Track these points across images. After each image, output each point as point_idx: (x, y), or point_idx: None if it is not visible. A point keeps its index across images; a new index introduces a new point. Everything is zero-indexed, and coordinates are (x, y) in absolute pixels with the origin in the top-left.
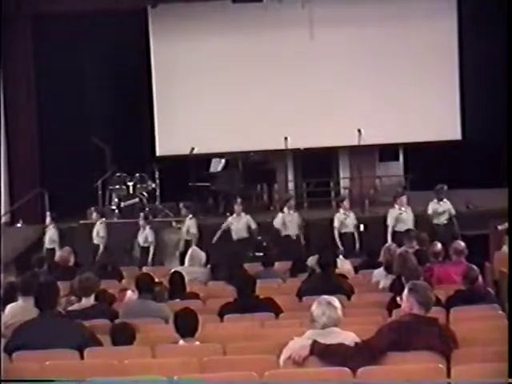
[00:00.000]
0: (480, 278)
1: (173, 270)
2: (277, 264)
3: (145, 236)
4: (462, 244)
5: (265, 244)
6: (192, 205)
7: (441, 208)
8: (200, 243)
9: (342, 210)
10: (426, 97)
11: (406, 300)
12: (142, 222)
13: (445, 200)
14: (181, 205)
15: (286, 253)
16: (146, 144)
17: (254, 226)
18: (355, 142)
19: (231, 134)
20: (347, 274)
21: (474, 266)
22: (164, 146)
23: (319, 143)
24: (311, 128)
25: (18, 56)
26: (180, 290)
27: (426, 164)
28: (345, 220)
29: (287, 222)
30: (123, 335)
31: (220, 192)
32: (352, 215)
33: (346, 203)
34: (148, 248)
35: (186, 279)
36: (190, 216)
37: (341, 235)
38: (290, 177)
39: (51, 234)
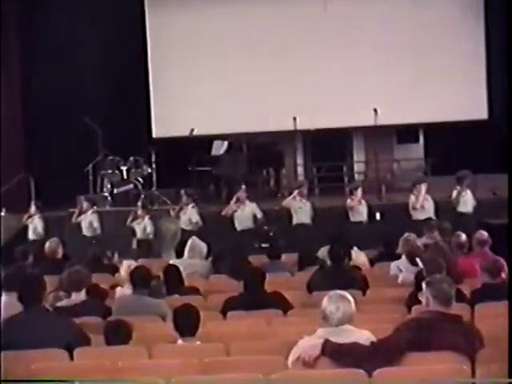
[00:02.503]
0: (506, 270)
1: (169, 263)
2: (284, 256)
3: (143, 226)
4: (485, 234)
5: (271, 234)
6: (193, 191)
7: (465, 195)
8: (200, 234)
9: (354, 198)
10: (449, 73)
11: (423, 295)
12: (140, 212)
13: (468, 186)
14: (182, 192)
15: (294, 244)
16: (141, 125)
17: (259, 214)
18: (371, 123)
19: (234, 113)
20: (362, 267)
21: (500, 258)
22: (161, 127)
23: (331, 123)
24: (322, 107)
25: (5, 33)
26: (177, 284)
27: (448, 146)
28: (358, 207)
29: (297, 210)
30: (118, 334)
31: (222, 177)
32: (364, 203)
33: (359, 192)
34: (145, 240)
35: (185, 272)
36: (192, 204)
37: (354, 224)
38: (300, 161)
39: (36, 224)
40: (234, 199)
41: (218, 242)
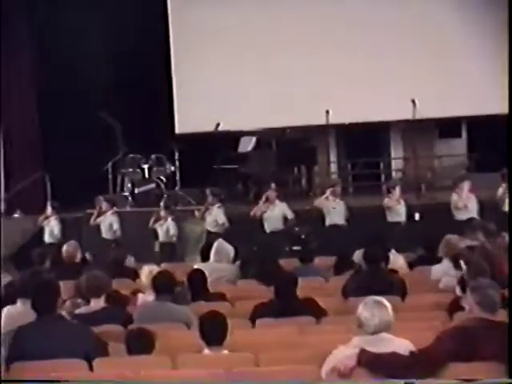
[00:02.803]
0: None
1: (193, 267)
2: (317, 259)
3: (166, 229)
4: None
5: (303, 236)
6: (219, 191)
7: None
8: (227, 236)
9: (392, 197)
10: (494, 61)
11: (467, 301)
12: (163, 213)
13: None
14: (207, 191)
15: (327, 246)
16: (163, 120)
17: (290, 215)
18: (409, 116)
19: (263, 107)
20: (400, 271)
21: None
22: (184, 123)
23: (367, 117)
24: (357, 99)
25: (14, 23)
26: (203, 290)
27: (493, 141)
28: (396, 207)
29: (331, 210)
30: (140, 342)
31: (250, 176)
32: (403, 202)
33: (397, 190)
34: (168, 243)
35: (211, 277)
36: (218, 204)
37: (392, 225)
38: (333, 157)
39: (52, 226)
40: (263, 199)
41: (245, 245)
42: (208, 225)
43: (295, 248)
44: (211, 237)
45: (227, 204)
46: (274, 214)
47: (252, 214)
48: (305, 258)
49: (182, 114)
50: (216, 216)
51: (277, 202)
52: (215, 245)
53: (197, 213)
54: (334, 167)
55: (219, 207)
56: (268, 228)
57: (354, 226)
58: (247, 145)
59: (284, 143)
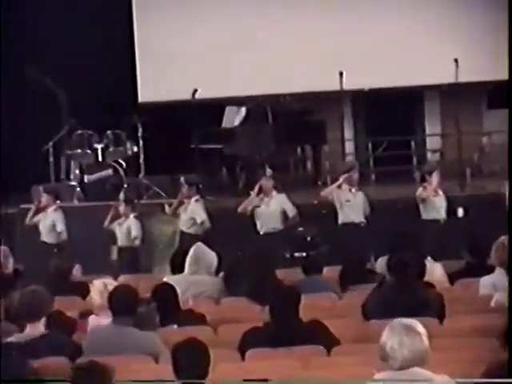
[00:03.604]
0: None
1: (163, 281)
2: (327, 270)
3: (126, 229)
4: None
5: (309, 239)
6: (197, 179)
7: None
8: (208, 239)
9: (427, 186)
10: None
11: None
12: (122, 208)
13: None
14: (181, 179)
15: (341, 252)
16: (122, 86)
17: (291, 211)
18: (450, 79)
19: (254, 68)
20: (438, 285)
21: None
22: (150, 89)
23: (393, 81)
24: (380, 58)
25: None
26: (175, 310)
27: None
28: (433, 200)
29: (345, 204)
30: (92, 381)
31: (239, 159)
32: (442, 193)
33: (434, 178)
34: (130, 248)
35: (187, 294)
36: (196, 197)
37: (427, 224)
38: (348, 134)
39: None
40: (256, 190)
41: (232, 251)
42: (182, 224)
43: (298, 254)
44: (187, 240)
45: (208, 196)
46: (270, 209)
47: (241, 209)
48: (311, 267)
49: (146, 77)
50: (193, 212)
51: (274, 193)
52: (192, 250)
53: (167, 208)
54: (349, 147)
55: (197, 201)
56: (262, 228)
57: (376, 225)
58: (234, 117)
59: (283, 115)
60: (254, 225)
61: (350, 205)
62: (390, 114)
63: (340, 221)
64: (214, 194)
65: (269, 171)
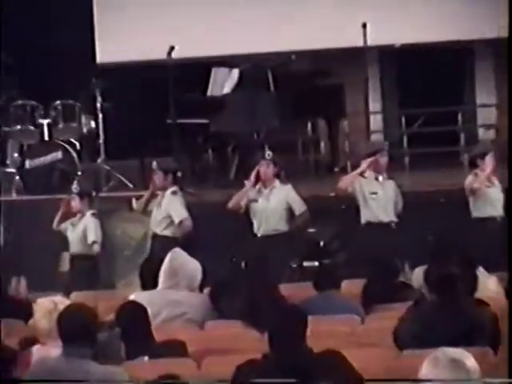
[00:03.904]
0: None
1: (130, 299)
2: (346, 284)
3: (81, 231)
4: None
5: (323, 244)
6: (174, 164)
7: None
8: (189, 244)
9: (479, 174)
10: None
11: None
12: (76, 203)
13: None
14: (154, 165)
15: (365, 261)
16: (75, 40)
17: (299, 207)
18: (502, 33)
19: (250, 18)
20: (493, 302)
21: None
22: (113, 45)
23: (432, 35)
24: (414, 5)
25: None
26: (146, 337)
27: None
28: (487, 191)
29: (370, 197)
30: None
31: (229, 137)
32: (497, 183)
33: (488, 162)
34: (85, 256)
35: (162, 316)
36: (173, 188)
37: (480, 223)
38: (375, 104)
39: None
40: (252, 178)
41: (221, 259)
42: (155, 224)
43: (308, 264)
44: (161, 245)
45: (189, 188)
46: (271, 204)
47: (232, 204)
48: (325, 280)
49: (106, 29)
50: (169, 209)
51: (276, 183)
52: (168, 259)
53: (135, 203)
54: (376, 122)
55: (174, 193)
56: (260, 229)
57: (411, 225)
58: (223, 83)
59: (288, 80)
60: (251, 225)
61: (377, 198)
62: (428, 78)
63: (363, 220)
64: (197, 184)
65: (269, 154)
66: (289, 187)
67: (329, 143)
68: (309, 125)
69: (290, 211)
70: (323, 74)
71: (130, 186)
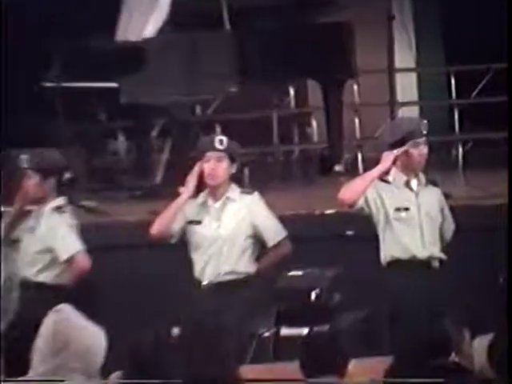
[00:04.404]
0: None
1: None
2: (356, 365)
3: None
4: None
5: (314, 296)
6: (57, 158)
7: None
8: (84, 295)
9: None
10: None
11: None
12: None
13: None
14: (21, 159)
15: (390, 327)
16: None
17: (273, 233)
18: None
19: None
20: None
21: None
22: None
23: None
24: None
25: None
26: None
27: None
28: None
29: (396, 216)
30: None
31: (153, 112)
32: None
33: None
34: None
35: None
36: (58, 202)
37: None
38: (405, 58)
39: None
40: (191, 183)
41: (137, 325)
42: (26, 263)
43: (289, 332)
44: (35, 298)
45: (84, 198)
46: (225, 229)
47: (157, 229)
48: (319, 360)
49: None
50: (49, 236)
51: (233, 191)
52: (49, 324)
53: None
54: (406, 86)
55: (59, 209)
56: (207, 272)
57: (466, 264)
58: (143, 20)
59: (257, 12)
60: (190, 264)
61: (409, 218)
62: (489, 16)
63: (385, 255)
64: (99, 192)
65: (221, 140)
66: (255, 198)
67: (326, 123)
68: (291, 91)
69: (258, 241)
70: (319, 4)
71: None
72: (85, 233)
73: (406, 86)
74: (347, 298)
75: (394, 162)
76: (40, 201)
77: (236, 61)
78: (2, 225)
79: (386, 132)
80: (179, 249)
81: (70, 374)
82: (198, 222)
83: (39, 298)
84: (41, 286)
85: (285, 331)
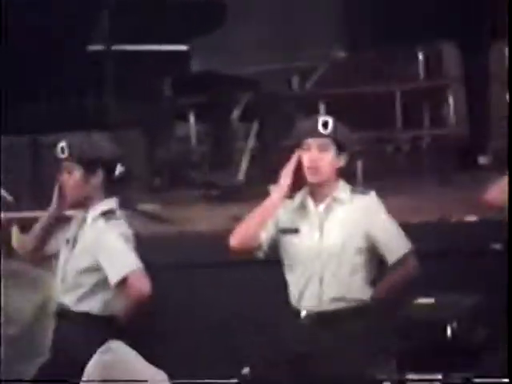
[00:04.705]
0: None
1: None
2: None
3: None
4: None
5: (450, 333)
6: (108, 147)
7: None
8: (142, 329)
9: None
10: None
11: None
12: None
13: None
14: (59, 147)
15: None
16: None
17: (396, 246)
18: None
19: None
20: None
21: None
22: None
23: None
24: None
25: None
26: None
27: None
28: None
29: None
30: None
31: (229, 84)
32: None
33: None
34: None
35: None
36: (108, 206)
37: None
38: None
39: None
40: (283, 180)
41: (215, 368)
42: (64, 286)
43: (417, 379)
44: (77, 331)
45: (143, 198)
46: (331, 239)
47: (239, 239)
48: None
49: None
50: (97, 252)
51: (342, 190)
52: (97, 363)
53: (17, 236)
54: None
55: (108, 216)
56: (306, 298)
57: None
58: None
59: None
60: (284, 288)
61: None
62: None
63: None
64: (161, 192)
65: (326, 122)
66: (371, 200)
67: (466, 100)
68: (419, 57)
69: (375, 256)
70: None
71: (9, 198)
72: (144, 246)
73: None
74: (494, 332)
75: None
76: (83, 203)
77: (345, 17)
78: (31, 235)
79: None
80: (269, 266)
81: None
82: (295, 231)
83: (82, 332)
84: (84, 316)
85: (411, 377)
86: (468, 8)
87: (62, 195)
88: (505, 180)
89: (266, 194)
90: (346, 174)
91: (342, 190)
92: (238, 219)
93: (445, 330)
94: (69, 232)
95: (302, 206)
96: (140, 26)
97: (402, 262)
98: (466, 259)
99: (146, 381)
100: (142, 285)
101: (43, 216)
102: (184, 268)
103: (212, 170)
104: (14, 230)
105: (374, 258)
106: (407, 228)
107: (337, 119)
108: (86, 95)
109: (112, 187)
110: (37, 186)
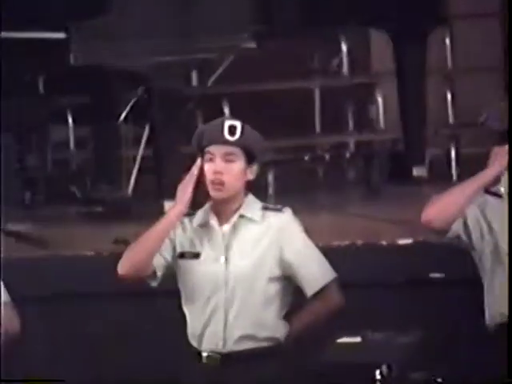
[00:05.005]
0: None
1: None
2: None
3: None
4: None
5: (384, 370)
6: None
7: None
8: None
9: None
10: None
11: None
12: None
13: None
14: None
15: None
16: None
17: (316, 275)
18: None
19: None
20: None
21: None
22: None
23: None
24: None
25: None
26: None
27: None
28: None
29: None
30: None
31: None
32: None
33: None
34: None
35: None
36: None
37: None
38: None
39: None
40: (181, 195)
41: None
42: None
43: None
44: None
45: (12, 217)
46: (239, 266)
47: (127, 268)
48: None
49: None
50: None
51: (250, 206)
52: None
53: None
54: None
55: None
56: (207, 339)
57: None
58: None
59: None
60: (184, 323)
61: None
62: None
63: (493, 313)
64: (34, 209)
65: (232, 127)
66: (286, 219)
67: (398, 100)
68: (343, 48)
69: (291, 286)
70: None
71: None
72: (14, 273)
73: None
74: (432, 377)
75: None
76: None
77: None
78: None
79: (493, 115)
80: (164, 297)
81: None
82: (195, 256)
83: None
84: None
85: None
86: None
87: None
88: (446, 195)
89: (159, 212)
90: (256, 187)
91: (252, 206)
92: (125, 241)
93: (373, 375)
94: None
95: (204, 226)
96: (9, 8)
97: (322, 294)
98: (399, 290)
99: None
100: (9, 321)
101: None
102: (61, 298)
103: (94, 183)
104: None
105: (291, 288)
106: (328, 252)
107: (245, 123)
108: None
109: None
110: None
